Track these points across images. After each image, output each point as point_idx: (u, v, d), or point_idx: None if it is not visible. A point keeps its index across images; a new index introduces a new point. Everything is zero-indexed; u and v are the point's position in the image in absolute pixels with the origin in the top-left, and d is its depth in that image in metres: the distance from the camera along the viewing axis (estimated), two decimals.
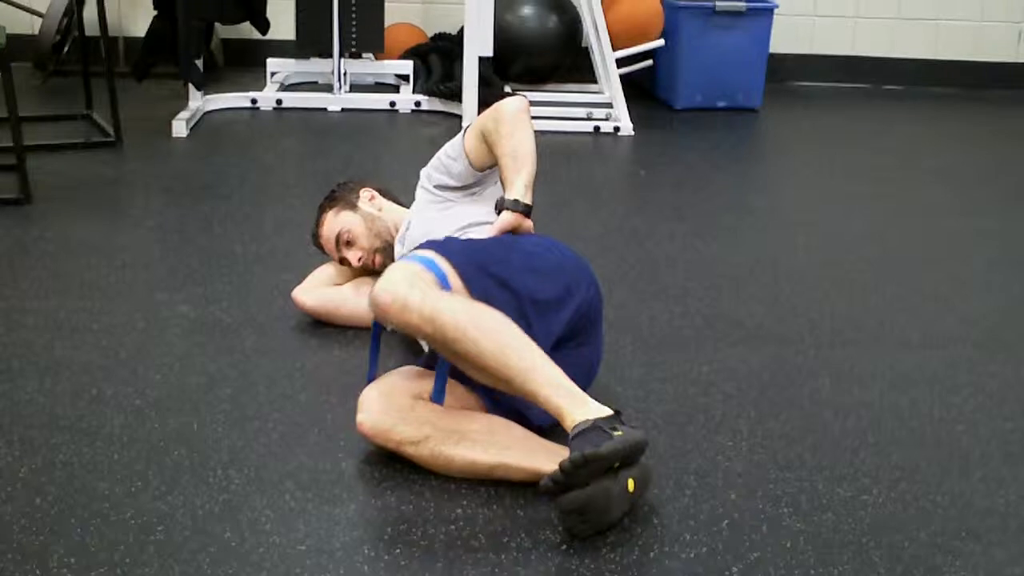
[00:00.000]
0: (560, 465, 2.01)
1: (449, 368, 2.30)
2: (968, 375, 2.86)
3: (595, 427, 2.06)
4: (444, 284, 2.26)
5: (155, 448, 2.35)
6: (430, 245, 2.41)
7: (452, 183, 2.81)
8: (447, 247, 2.39)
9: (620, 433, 2.06)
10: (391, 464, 2.29)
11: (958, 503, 2.26)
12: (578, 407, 2.12)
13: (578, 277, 2.49)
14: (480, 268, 2.35)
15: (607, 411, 2.11)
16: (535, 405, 2.18)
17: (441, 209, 2.79)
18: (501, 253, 2.44)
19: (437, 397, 2.30)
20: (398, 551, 2.04)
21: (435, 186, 2.83)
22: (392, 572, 1.98)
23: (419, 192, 2.89)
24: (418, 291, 2.18)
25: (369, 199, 3.01)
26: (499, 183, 2.83)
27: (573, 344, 2.44)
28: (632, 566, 2.02)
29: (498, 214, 2.57)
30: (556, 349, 2.35)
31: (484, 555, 2.03)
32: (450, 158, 2.80)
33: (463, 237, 2.66)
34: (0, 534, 2.03)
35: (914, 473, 2.37)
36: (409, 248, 2.79)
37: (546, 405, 2.14)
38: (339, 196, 3.02)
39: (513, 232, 2.55)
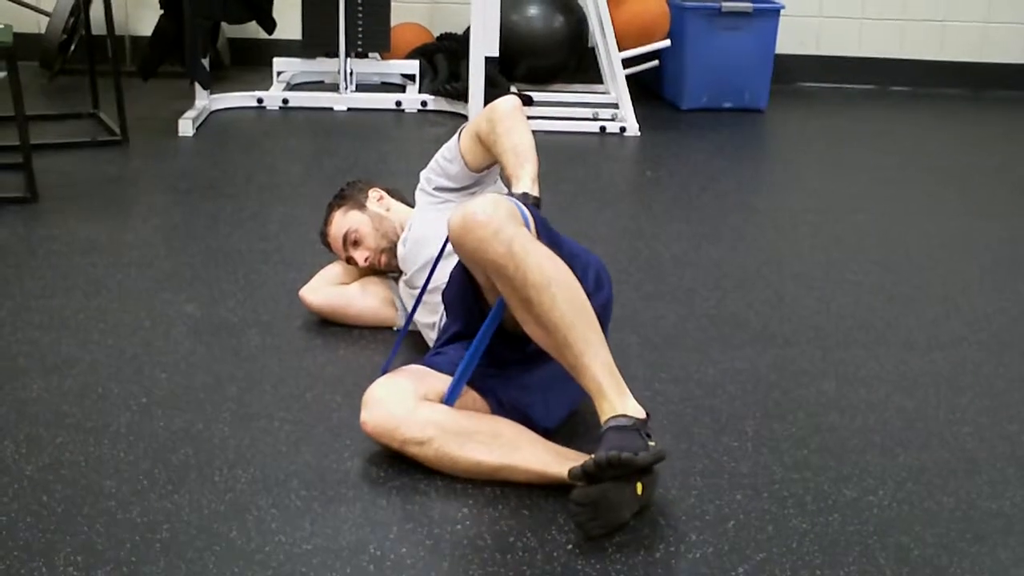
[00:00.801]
0: (596, 457, 2.01)
1: (469, 376, 2.31)
2: (974, 376, 2.86)
3: (635, 429, 2.07)
4: (528, 228, 2.25)
5: (161, 447, 2.35)
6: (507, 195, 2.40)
7: (450, 184, 2.81)
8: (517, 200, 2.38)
9: (654, 444, 2.08)
10: (397, 464, 2.29)
11: (964, 504, 2.26)
12: (621, 397, 2.13)
13: (603, 274, 2.50)
14: (546, 226, 2.36)
15: (642, 413, 2.12)
16: (575, 377, 2.17)
17: (442, 210, 2.79)
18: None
19: (449, 398, 2.30)
20: (404, 550, 2.04)
21: (434, 188, 2.84)
22: (398, 571, 1.98)
23: (419, 195, 2.90)
24: (514, 226, 2.17)
25: (377, 199, 3.01)
26: (498, 183, 2.84)
27: None
28: (638, 566, 2.02)
29: None
30: None
31: (490, 555, 2.03)
32: (447, 160, 2.81)
33: None
34: (7, 532, 2.04)
35: (920, 474, 2.37)
36: (411, 249, 2.80)
37: (591, 382, 2.14)
38: (348, 195, 3.02)
39: None
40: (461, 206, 2.23)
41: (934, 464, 2.41)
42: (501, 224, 2.15)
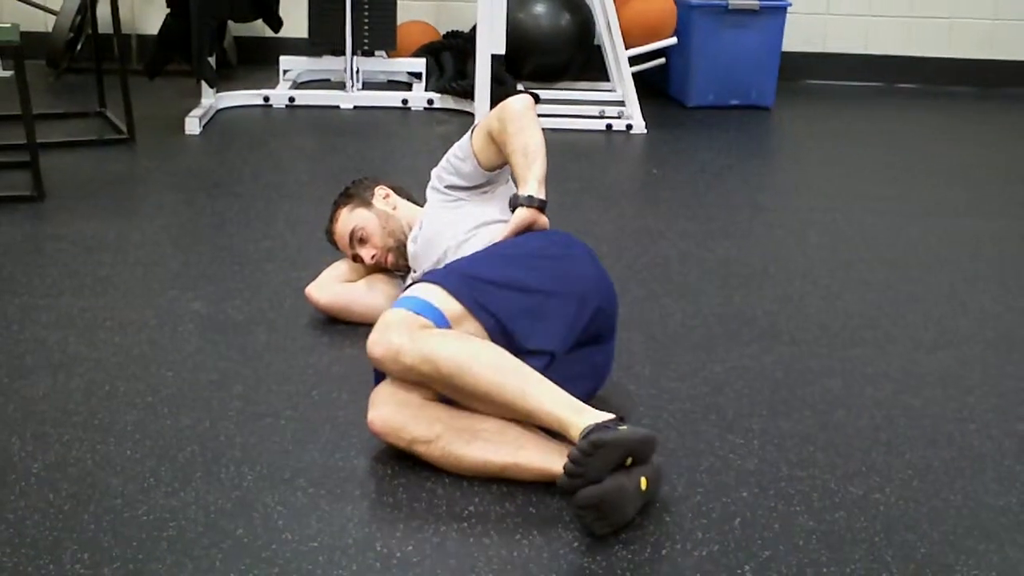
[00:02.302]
0: (569, 456, 2.03)
1: None
2: (981, 375, 2.85)
3: (598, 427, 2.07)
4: (439, 323, 2.27)
5: (168, 445, 2.36)
6: (426, 277, 2.42)
7: (462, 183, 2.81)
8: (442, 273, 2.41)
9: (625, 428, 2.08)
10: (403, 461, 2.29)
11: (971, 502, 2.25)
12: (580, 415, 2.13)
13: (587, 288, 2.47)
14: (479, 280, 2.36)
15: (608, 415, 2.12)
16: (539, 425, 2.21)
17: (453, 208, 2.79)
18: (505, 264, 2.45)
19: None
20: (410, 548, 2.04)
21: (446, 186, 2.84)
22: (404, 569, 1.98)
23: (430, 192, 2.90)
24: (408, 337, 2.21)
25: (384, 197, 3.01)
26: (510, 182, 2.83)
27: (586, 349, 2.44)
28: (644, 563, 2.01)
29: (512, 211, 2.57)
30: (571, 352, 2.36)
31: (496, 552, 2.03)
32: (459, 159, 2.81)
33: (475, 236, 2.67)
34: (14, 530, 2.04)
35: (927, 472, 2.36)
36: (422, 247, 2.80)
37: (548, 420, 2.17)
38: (354, 193, 3.03)
39: (529, 228, 2.56)
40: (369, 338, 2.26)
41: (941, 462, 2.41)
42: (397, 346, 2.20)
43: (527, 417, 2.20)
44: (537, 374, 2.21)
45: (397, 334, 2.22)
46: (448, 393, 2.24)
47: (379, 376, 2.37)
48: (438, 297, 2.31)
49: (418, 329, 2.23)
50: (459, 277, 2.36)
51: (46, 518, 2.08)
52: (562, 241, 2.56)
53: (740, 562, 2.03)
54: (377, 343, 2.23)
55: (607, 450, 2.03)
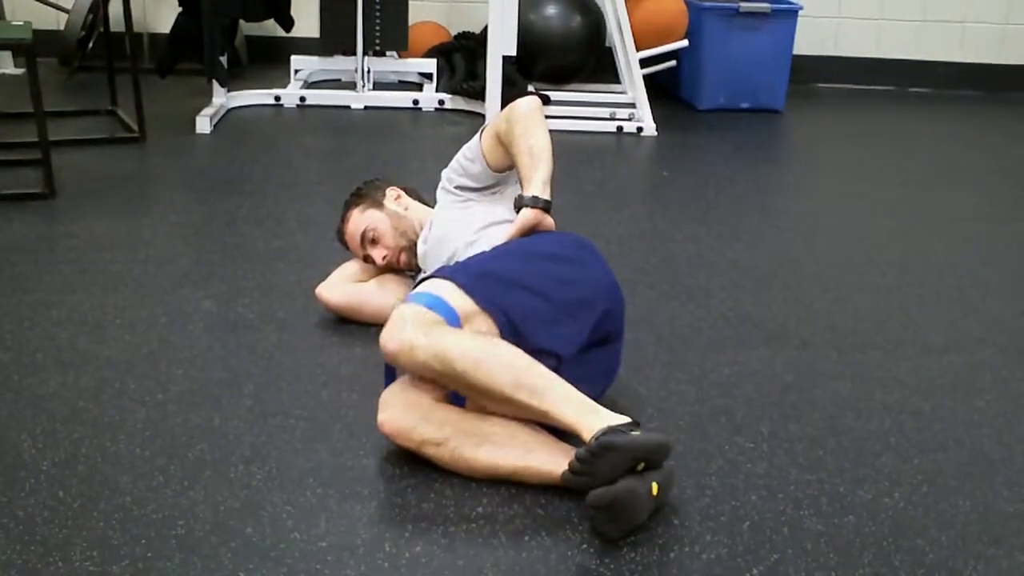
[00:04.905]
0: (576, 455, 2.04)
1: None
2: (992, 379, 2.85)
3: (611, 431, 2.07)
4: (451, 319, 2.27)
5: (177, 443, 2.36)
6: (438, 272, 2.43)
7: (472, 184, 2.82)
8: (454, 269, 2.41)
9: (637, 433, 2.08)
10: (412, 462, 2.29)
11: (980, 507, 2.25)
12: (594, 416, 2.13)
13: (596, 291, 2.48)
14: (490, 277, 2.37)
15: (624, 419, 2.12)
16: (553, 425, 2.20)
17: (462, 209, 2.79)
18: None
19: (458, 399, 2.30)
20: (418, 548, 2.04)
21: (455, 187, 2.84)
22: (412, 569, 1.98)
23: (440, 193, 2.90)
24: (422, 332, 2.20)
25: (395, 198, 3.01)
26: (519, 183, 2.83)
27: (594, 350, 2.44)
28: (652, 566, 2.01)
29: (517, 212, 2.57)
30: (579, 353, 2.36)
31: (504, 553, 2.03)
32: (468, 160, 2.81)
33: (484, 236, 2.67)
34: (23, 527, 2.05)
35: (936, 477, 2.36)
36: (432, 247, 2.80)
37: (562, 420, 2.16)
38: (365, 194, 3.03)
39: (534, 228, 2.55)
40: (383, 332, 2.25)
41: (950, 466, 2.41)
42: (410, 341, 2.20)
43: (542, 417, 2.19)
44: (552, 374, 2.21)
45: (412, 329, 2.21)
46: (461, 390, 2.24)
47: (389, 377, 2.37)
48: (451, 293, 2.31)
49: (433, 325, 2.23)
50: (472, 274, 2.36)
51: (56, 515, 2.09)
52: (571, 242, 2.56)
53: (748, 565, 2.03)
54: (392, 338, 2.22)
55: (616, 454, 2.03)
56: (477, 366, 2.17)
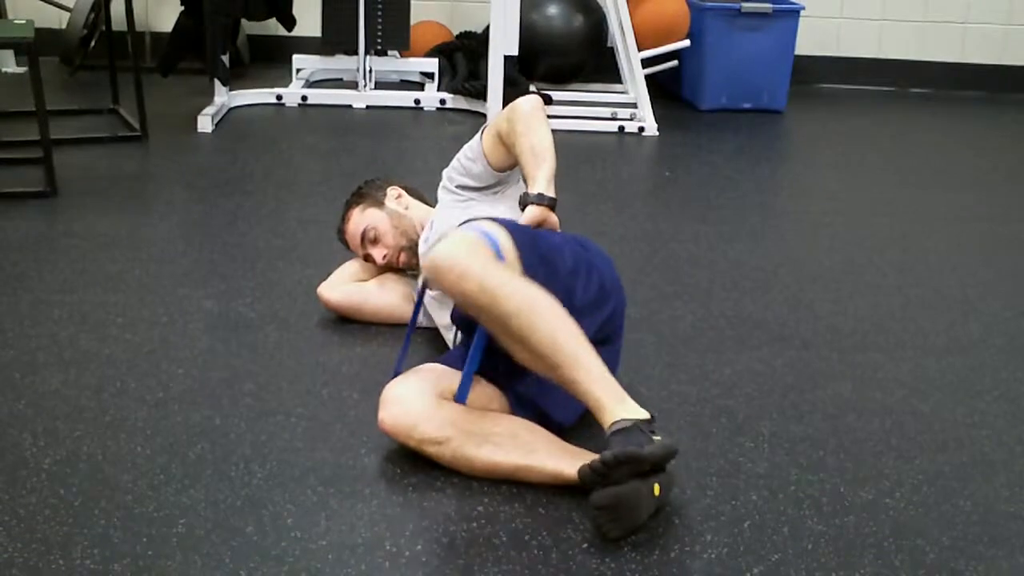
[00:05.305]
0: (602, 457, 2.01)
1: (476, 369, 2.31)
2: (992, 380, 2.85)
3: (636, 428, 2.06)
4: (499, 257, 2.24)
5: (178, 442, 2.36)
6: (489, 218, 2.41)
7: (473, 183, 2.82)
8: (507, 222, 2.39)
9: (659, 438, 2.08)
10: (413, 461, 2.29)
11: (981, 507, 2.25)
12: (619, 404, 2.12)
13: (613, 283, 2.50)
14: (534, 245, 2.35)
15: (645, 413, 2.12)
16: (571, 394, 2.17)
17: (463, 209, 2.79)
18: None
19: (461, 397, 2.30)
20: (419, 548, 2.04)
21: (456, 186, 2.84)
22: (413, 569, 1.98)
23: (441, 193, 2.90)
24: (479, 261, 2.16)
25: (396, 197, 3.01)
26: (520, 182, 2.83)
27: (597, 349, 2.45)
28: (653, 566, 2.01)
29: (522, 210, 2.57)
30: None
31: (505, 553, 2.03)
32: (469, 160, 2.81)
33: None
34: (24, 525, 2.05)
35: (936, 477, 2.36)
36: (432, 246, 2.80)
37: (587, 396, 2.13)
38: (366, 193, 3.03)
39: (540, 226, 2.55)
40: (430, 250, 2.23)
41: (951, 467, 2.41)
42: (465, 265, 2.15)
43: (567, 383, 2.15)
44: (589, 345, 2.16)
45: (469, 255, 2.17)
46: (494, 329, 2.19)
47: (397, 371, 2.37)
48: (504, 241, 2.28)
49: (489, 258, 2.19)
50: (524, 233, 2.35)
51: (56, 514, 2.09)
52: (579, 240, 2.57)
53: (749, 565, 2.03)
54: (446, 255, 2.17)
55: (638, 464, 2.03)
56: (520, 313, 2.13)
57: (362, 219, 2.97)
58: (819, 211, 4.30)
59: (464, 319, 2.43)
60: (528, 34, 5.36)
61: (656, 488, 2.08)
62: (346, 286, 3.01)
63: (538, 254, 2.34)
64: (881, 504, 2.24)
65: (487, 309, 2.15)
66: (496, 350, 2.27)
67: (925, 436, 2.54)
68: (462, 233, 2.26)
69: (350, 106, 5.58)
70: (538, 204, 2.54)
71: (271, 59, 6.29)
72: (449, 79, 5.79)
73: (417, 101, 5.64)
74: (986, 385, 2.82)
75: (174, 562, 1.96)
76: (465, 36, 6.16)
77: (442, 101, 5.63)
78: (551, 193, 2.56)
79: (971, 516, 2.22)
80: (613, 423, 2.08)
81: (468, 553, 2.03)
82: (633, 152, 5.12)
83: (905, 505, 2.25)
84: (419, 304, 2.55)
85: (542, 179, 2.57)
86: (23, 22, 4.08)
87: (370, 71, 5.65)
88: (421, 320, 2.91)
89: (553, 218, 2.57)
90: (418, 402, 2.26)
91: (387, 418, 2.26)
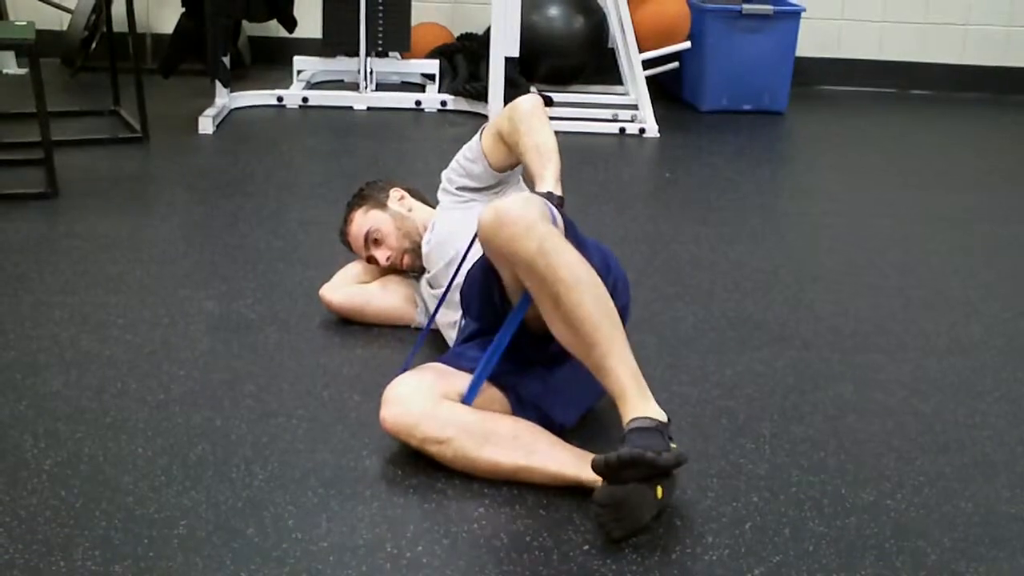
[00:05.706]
0: (619, 451, 2.01)
1: (490, 374, 2.31)
2: (993, 381, 2.85)
3: (657, 431, 2.07)
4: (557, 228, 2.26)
5: (179, 443, 2.36)
6: (543, 195, 2.43)
7: (473, 184, 2.82)
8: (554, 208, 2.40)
9: (675, 447, 2.08)
10: (414, 462, 2.29)
11: (982, 509, 2.25)
12: (644, 400, 2.12)
13: (624, 284, 2.51)
14: (573, 227, 2.37)
15: (664, 416, 2.12)
16: (598, 378, 2.17)
17: (465, 209, 2.79)
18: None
19: (469, 396, 2.30)
20: (420, 549, 2.04)
21: (457, 188, 2.85)
22: (414, 570, 1.98)
23: (441, 195, 2.91)
24: (545, 224, 2.17)
25: (399, 199, 3.01)
26: (521, 182, 2.84)
27: None
28: (654, 567, 2.01)
29: None
30: None
31: (506, 554, 2.03)
32: (469, 160, 2.81)
33: None
34: (25, 526, 2.05)
35: (938, 479, 2.36)
36: (435, 248, 2.80)
37: (614, 383, 2.13)
38: (368, 195, 3.03)
39: None
40: (492, 203, 2.23)
41: (952, 468, 2.41)
42: (533, 221, 2.15)
43: (597, 366, 2.15)
44: (626, 338, 2.17)
45: (541, 219, 2.17)
46: (540, 296, 2.18)
47: (405, 368, 2.36)
48: (556, 212, 2.30)
49: (553, 227, 2.20)
50: (567, 220, 2.36)
51: (57, 515, 2.09)
52: (591, 240, 2.57)
53: (750, 566, 2.03)
54: (516, 209, 2.17)
55: (649, 469, 2.03)
56: (571, 284, 2.13)
57: (365, 221, 2.97)
58: (820, 212, 4.30)
59: (471, 301, 2.43)
60: (529, 35, 5.36)
61: (659, 490, 2.08)
62: (348, 288, 3.01)
63: (577, 238, 2.35)
64: (882, 505, 2.24)
65: (541, 271, 2.14)
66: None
67: (926, 437, 2.54)
68: (529, 196, 2.26)
69: (351, 108, 5.58)
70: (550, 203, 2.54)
71: (272, 60, 6.28)
72: (450, 80, 5.79)
73: (418, 103, 5.64)
74: (987, 386, 2.81)
75: (175, 563, 1.96)
76: (466, 37, 6.16)
77: (443, 103, 5.63)
78: (559, 192, 2.55)
79: (972, 517, 2.22)
80: (635, 419, 2.08)
81: (469, 554, 2.03)
82: (634, 153, 5.12)
83: (906, 506, 2.24)
84: (442, 299, 2.55)
85: (550, 178, 2.57)
86: (24, 23, 4.08)
87: (371, 73, 5.65)
88: (422, 320, 2.91)
89: None
90: (420, 401, 2.26)
91: (389, 417, 2.26)
